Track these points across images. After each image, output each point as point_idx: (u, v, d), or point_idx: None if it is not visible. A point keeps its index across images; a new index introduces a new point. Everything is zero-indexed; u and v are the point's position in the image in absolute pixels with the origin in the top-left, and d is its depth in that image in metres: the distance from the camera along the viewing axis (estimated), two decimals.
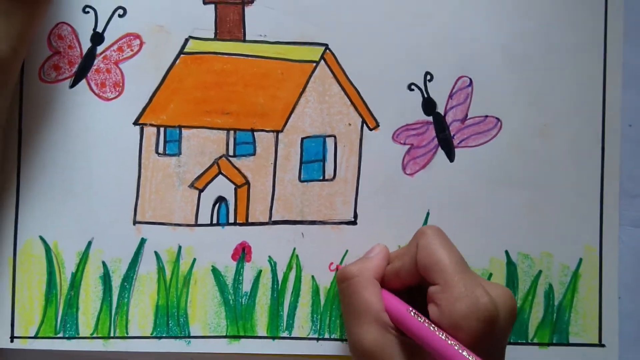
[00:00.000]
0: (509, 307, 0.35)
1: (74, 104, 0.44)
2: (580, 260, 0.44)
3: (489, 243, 0.45)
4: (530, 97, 0.45)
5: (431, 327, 0.33)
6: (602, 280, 0.44)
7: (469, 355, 0.32)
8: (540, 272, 0.45)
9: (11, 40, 0.39)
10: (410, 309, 0.35)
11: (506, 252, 0.45)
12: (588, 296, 0.44)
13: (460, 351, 0.32)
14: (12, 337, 0.44)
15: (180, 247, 0.44)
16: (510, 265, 0.45)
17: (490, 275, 0.44)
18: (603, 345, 0.44)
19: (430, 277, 0.35)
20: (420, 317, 0.34)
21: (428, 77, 0.45)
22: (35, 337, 0.44)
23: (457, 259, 0.36)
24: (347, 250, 0.45)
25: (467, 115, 0.45)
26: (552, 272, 0.45)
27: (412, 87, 0.45)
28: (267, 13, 0.45)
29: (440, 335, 0.33)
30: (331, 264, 0.44)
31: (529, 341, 0.44)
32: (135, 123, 0.45)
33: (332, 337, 0.44)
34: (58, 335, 0.44)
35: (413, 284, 0.38)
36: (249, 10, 0.45)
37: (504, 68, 0.45)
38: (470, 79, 0.45)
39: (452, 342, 0.32)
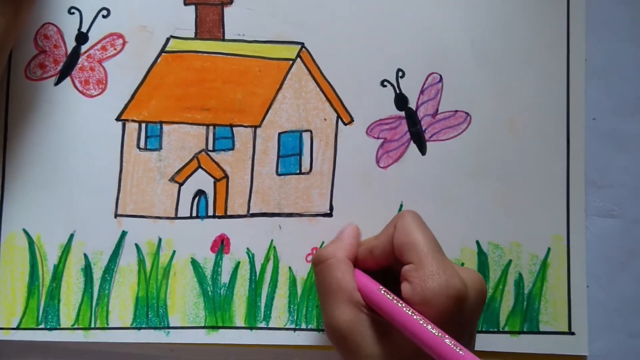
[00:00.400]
0: (479, 290, 0.37)
1: (59, 101, 0.46)
2: (549, 249, 0.46)
3: (460, 233, 0.46)
4: (498, 92, 0.46)
5: (399, 304, 0.35)
6: (570, 270, 0.46)
7: (434, 330, 0.33)
8: (510, 261, 0.46)
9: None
10: (381, 287, 0.36)
11: (477, 242, 0.46)
12: (557, 285, 0.46)
13: (425, 325, 0.33)
14: None
15: (160, 240, 0.46)
16: (481, 255, 0.46)
17: (462, 264, 0.46)
18: (573, 333, 0.45)
19: (405, 257, 0.37)
20: (389, 295, 0.35)
21: (400, 73, 0.46)
22: (17, 328, 0.45)
23: (431, 240, 0.37)
24: (323, 242, 0.46)
25: (437, 110, 0.46)
26: (521, 262, 0.46)
27: (385, 83, 0.46)
28: (246, 13, 0.47)
29: (407, 311, 0.34)
30: (313, 250, 0.45)
31: (500, 329, 0.45)
32: (118, 119, 0.46)
33: (309, 327, 0.45)
34: (40, 327, 0.45)
35: (386, 265, 0.39)
36: (228, 10, 0.47)
37: (472, 64, 0.46)
38: (441, 76, 0.46)
39: (419, 317, 0.33)
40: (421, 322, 0.33)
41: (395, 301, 0.35)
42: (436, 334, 0.33)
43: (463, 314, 0.35)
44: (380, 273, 0.40)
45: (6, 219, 0.45)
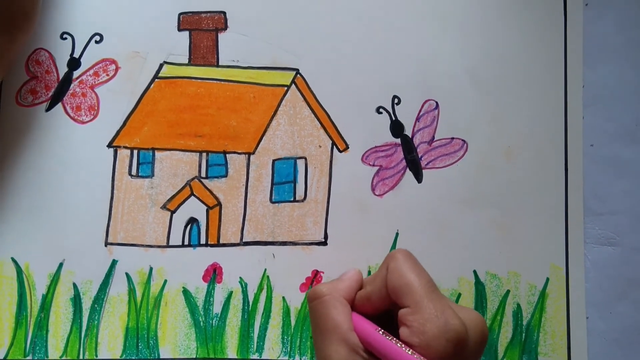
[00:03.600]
0: (479, 330, 0.35)
1: (50, 127, 0.45)
2: (547, 279, 0.45)
3: (457, 263, 0.45)
4: (495, 119, 0.46)
5: (399, 345, 0.34)
6: (570, 299, 0.45)
7: None
8: (508, 291, 0.45)
9: None
10: (379, 328, 0.36)
11: (474, 271, 0.45)
12: (556, 316, 0.45)
13: None
14: None
15: (151, 269, 0.45)
16: (479, 285, 0.45)
17: (459, 295, 0.45)
18: None
19: (401, 300, 0.36)
20: (389, 336, 0.35)
21: (396, 100, 0.46)
22: (4, 359, 0.43)
23: (427, 281, 0.36)
24: (317, 271, 0.45)
25: (434, 137, 0.46)
26: (520, 292, 0.45)
27: (381, 110, 0.46)
28: (240, 39, 0.46)
29: (408, 352, 0.33)
30: (307, 279, 0.45)
31: None
32: (109, 145, 0.45)
33: (302, 359, 0.44)
34: (27, 358, 0.44)
35: (384, 309, 0.38)
36: (222, 36, 0.46)
37: (469, 92, 0.46)
38: (437, 102, 0.46)
39: (420, 358, 0.32)
40: None
41: (395, 342, 0.34)
42: None
43: (464, 356, 0.34)
44: (376, 317, 0.39)
45: None
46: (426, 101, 0.46)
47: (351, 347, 0.36)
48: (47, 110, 0.45)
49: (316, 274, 0.45)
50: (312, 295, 0.39)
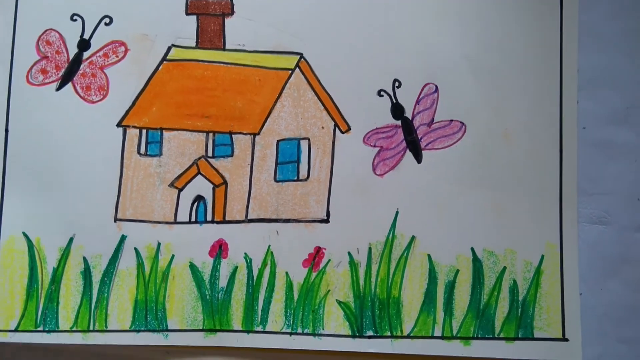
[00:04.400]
0: None
1: (60, 106, 0.47)
2: (542, 256, 0.46)
3: (455, 240, 0.46)
4: (492, 102, 0.47)
5: None
6: (564, 276, 0.46)
7: None
8: (504, 268, 0.46)
9: None
10: None
11: (472, 249, 0.47)
12: (551, 291, 0.46)
13: None
14: None
15: (159, 244, 0.46)
16: (476, 262, 0.46)
17: (457, 271, 0.46)
18: (567, 340, 0.46)
19: None
20: None
21: (396, 83, 0.47)
22: (15, 330, 0.45)
23: None
24: (319, 247, 0.46)
25: (433, 119, 0.47)
26: (516, 269, 0.46)
27: (382, 93, 0.47)
28: (246, 24, 0.48)
29: None
30: (310, 255, 0.46)
31: (496, 336, 0.46)
32: (119, 125, 0.47)
33: (304, 331, 0.46)
34: (38, 329, 0.45)
35: None
36: (229, 21, 0.48)
37: (467, 76, 0.47)
38: (436, 86, 0.48)
39: None
40: None
41: None
42: None
43: None
44: None
45: (6, 222, 0.46)
46: (426, 84, 0.48)
47: None
48: (58, 89, 0.47)
49: (318, 250, 0.46)
50: None
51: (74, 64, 0.47)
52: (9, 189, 0.46)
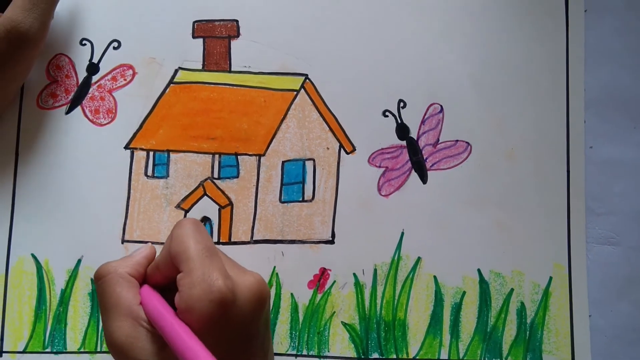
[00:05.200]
0: (252, 292, 0.35)
1: (69, 129, 0.47)
2: (550, 278, 0.46)
3: (461, 261, 0.46)
4: (498, 122, 0.47)
5: (163, 313, 0.34)
6: (572, 298, 0.46)
7: (187, 337, 0.32)
8: (512, 290, 0.46)
9: (39, 17, 0.42)
10: (160, 299, 0.36)
11: (478, 270, 0.46)
12: (559, 314, 0.46)
13: (179, 331, 0.32)
14: (1, 352, 0.45)
15: None
16: (483, 284, 0.46)
17: (464, 293, 0.46)
18: None
19: (179, 266, 0.36)
20: (161, 306, 0.35)
21: (401, 104, 0.48)
22: (24, 351, 0.45)
23: (203, 246, 0.36)
24: (324, 269, 0.46)
25: (438, 139, 0.47)
26: (523, 290, 0.46)
27: (387, 113, 0.48)
28: (252, 46, 0.48)
29: (167, 316, 0.33)
30: (315, 277, 0.46)
31: (503, 359, 0.45)
32: (126, 147, 0.47)
33: (310, 353, 0.46)
34: (46, 350, 0.45)
35: (173, 276, 0.37)
36: (234, 43, 0.48)
37: (472, 95, 0.47)
38: (441, 106, 0.47)
39: (178, 325, 0.33)
40: (178, 329, 0.32)
41: (158, 309, 0.34)
42: (188, 341, 0.32)
43: (230, 317, 0.34)
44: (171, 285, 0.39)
45: (15, 244, 0.46)
46: (431, 105, 0.48)
47: (134, 320, 0.36)
48: (67, 113, 0.48)
49: (324, 271, 0.46)
50: (97, 275, 0.39)
51: (83, 88, 0.48)
52: (18, 211, 0.46)
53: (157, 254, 0.42)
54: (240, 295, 0.35)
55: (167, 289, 0.38)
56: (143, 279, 0.40)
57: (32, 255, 0.46)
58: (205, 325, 0.33)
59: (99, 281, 0.39)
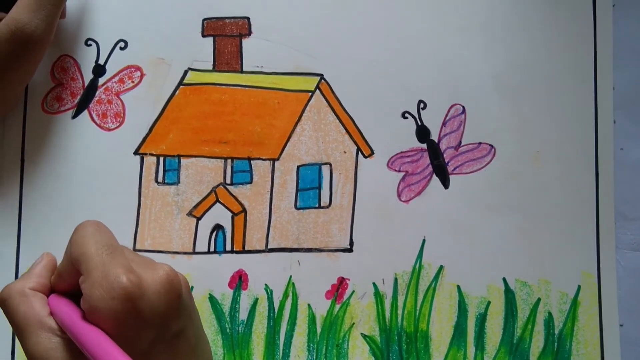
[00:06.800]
0: (160, 283, 0.34)
1: (76, 134, 0.45)
2: (579, 287, 0.44)
3: (486, 270, 0.44)
4: (523, 124, 0.45)
5: (72, 317, 0.33)
6: (602, 308, 0.44)
7: (95, 338, 0.31)
8: (539, 299, 0.44)
9: (45, 18, 0.41)
10: (70, 305, 0.35)
11: (504, 279, 0.44)
12: (589, 324, 0.44)
13: (83, 333, 0.31)
14: None
15: None
16: (509, 293, 0.44)
17: (489, 303, 0.44)
18: None
19: (80, 270, 0.34)
20: (71, 311, 0.34)
21: (421, 105, 0.45)
22: None
23: (103, 245, 0.34)
24: (342, 278, 0.44)
25: (460, 142, 0.45)
26: (551, 300, 0.44)
27: (406, 115, 0.45)
28: (264, 45, 0.46)
29: (76, 320, 0.32)
30: (332, 286, 0.44)
31: None
32: (136, 153, 0.46)
33: None
34: None
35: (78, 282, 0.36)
36: (246, 42, 0.46)
37: (496, 95, 0.45)
38: (463, 107, 0.45)
39: (87, 327, 0.32)
40: (88, 332, 0.31)
41: (71, 316, 0.33)
42: (97, 343, 0.31)
43: (142, 312, 0.33)
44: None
45: (24, 253, 0.45)
46: (452, 106, 0.45)
47: (48, 332, 0.34)
48: (73, 117, 0.46)
49: (342, 281, 0.45)
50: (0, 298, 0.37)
51: (90, 91, 0.46)
52: (26, 220, 0.45)
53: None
54: (148, 289, 0.33)
55: (79, 294, 0.37)
56: (50, 289, 0.38)
57: None
58: (113, 324, 0.32)
59: (3, 307, 0.37)
